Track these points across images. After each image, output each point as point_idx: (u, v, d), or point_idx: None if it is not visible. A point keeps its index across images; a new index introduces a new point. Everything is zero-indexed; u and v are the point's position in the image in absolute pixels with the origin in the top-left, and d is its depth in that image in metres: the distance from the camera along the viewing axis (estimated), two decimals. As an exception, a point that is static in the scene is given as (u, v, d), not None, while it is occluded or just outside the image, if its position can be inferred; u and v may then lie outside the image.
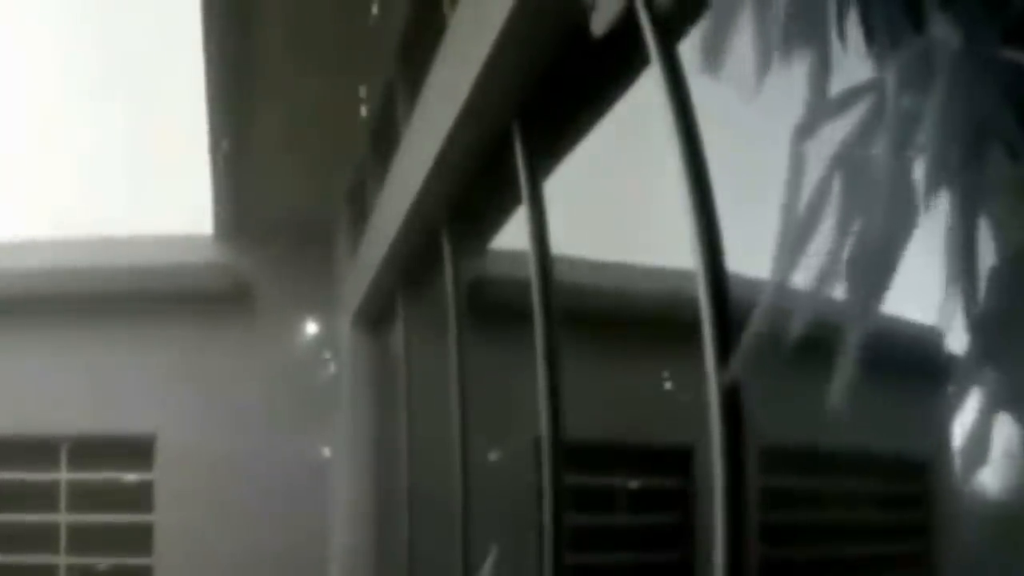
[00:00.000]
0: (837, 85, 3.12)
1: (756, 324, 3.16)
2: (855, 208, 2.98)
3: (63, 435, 21.61)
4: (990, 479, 2.94)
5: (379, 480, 19.59)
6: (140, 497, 21.76)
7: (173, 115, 22.23)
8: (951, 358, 2.96)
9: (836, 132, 3.08)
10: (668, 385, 11.47)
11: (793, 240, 3.06)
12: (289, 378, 21.60)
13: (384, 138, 17.43)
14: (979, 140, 2.85)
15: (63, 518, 21.67)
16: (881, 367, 2.97)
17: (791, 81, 3.19)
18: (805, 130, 3.12)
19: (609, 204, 11.06)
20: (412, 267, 16.69)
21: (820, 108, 3.10)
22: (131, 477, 22.11)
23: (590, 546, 11.95)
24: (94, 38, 24.87)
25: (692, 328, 7.16)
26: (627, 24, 7.95)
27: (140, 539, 21.47)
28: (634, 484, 13.20)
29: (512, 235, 11.81)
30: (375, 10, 15.05)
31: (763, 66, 3.17)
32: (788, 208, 3.09)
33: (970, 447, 2.86)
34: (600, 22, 6.47)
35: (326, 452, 21.62)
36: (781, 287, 3.07)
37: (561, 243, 10.81)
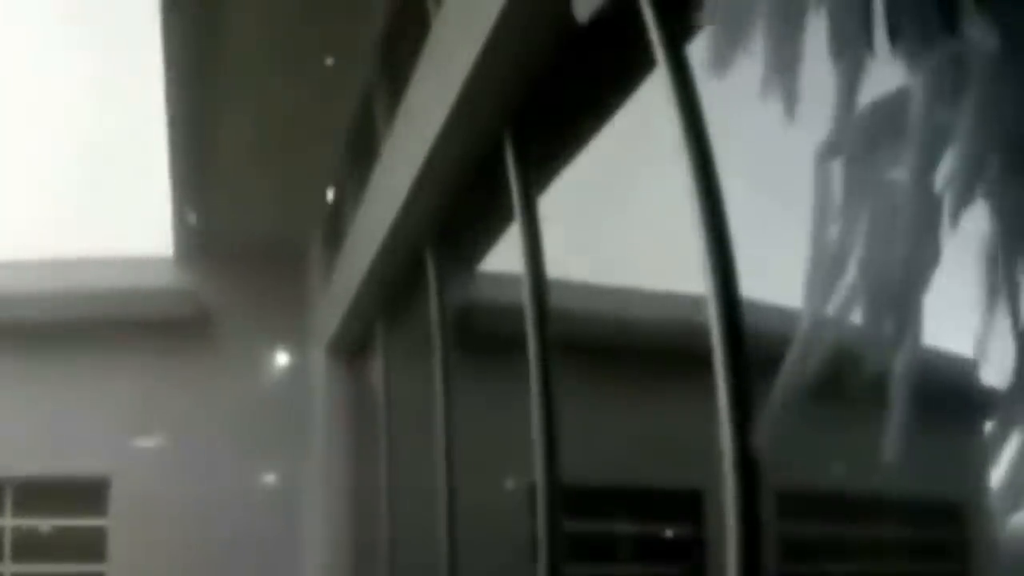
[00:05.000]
0: (863, 91, 3.11)
1: (791, 366, 3.15)
2: (883, 231, 2.97)
3: (8, 477, 21.53)
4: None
5: (356, 527, 19.54)
6: (92, 545, 21.67)
7: (130, 122, 22.23)
8: (989, 391, 2.95)
9: (863, 146, 3.07)
10: (676, 423, 11.45)
11: (826, 269, 3.05)
12: (257, 415, 21.54)
13: (362, 150, 17.44)
14: (1019, 153, 2.85)
15: (8, 568, 21.57)
16: (914, 403, 2.97)
17: (810, 85, 3.19)
18: (830, 144, 3.11)
19: (610, 222, 11.07)
20: (393, 292, 16.69)
21: (846, 120, 3.09)
22: (83, 523, 22.02)
23: (590, 600, 11.94)
24: (46, 36, 24.92)
25: (703, 360, 7.16)
26: (630, 22, 7.95)
27: (92, 592, 21.42)
28: (639, 531, 13.18)
29: (503, 257, 11.80)
30: (352, 8, 15.05)
31: (777, 68, 3.17)
32: (817, 233, 3.08)
33: (1006, 488, 2.85)
34: (584, 6, 6.33)
35: (298, 496, 21.56)
36: (815, 320, 3.06)
37: (557, 265, 10.80)
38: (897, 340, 2.92)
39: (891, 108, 3.02)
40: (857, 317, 3.00)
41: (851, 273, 3.02)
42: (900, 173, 2.95)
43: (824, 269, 3.05)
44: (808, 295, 3.10)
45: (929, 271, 2.91)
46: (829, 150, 3.10)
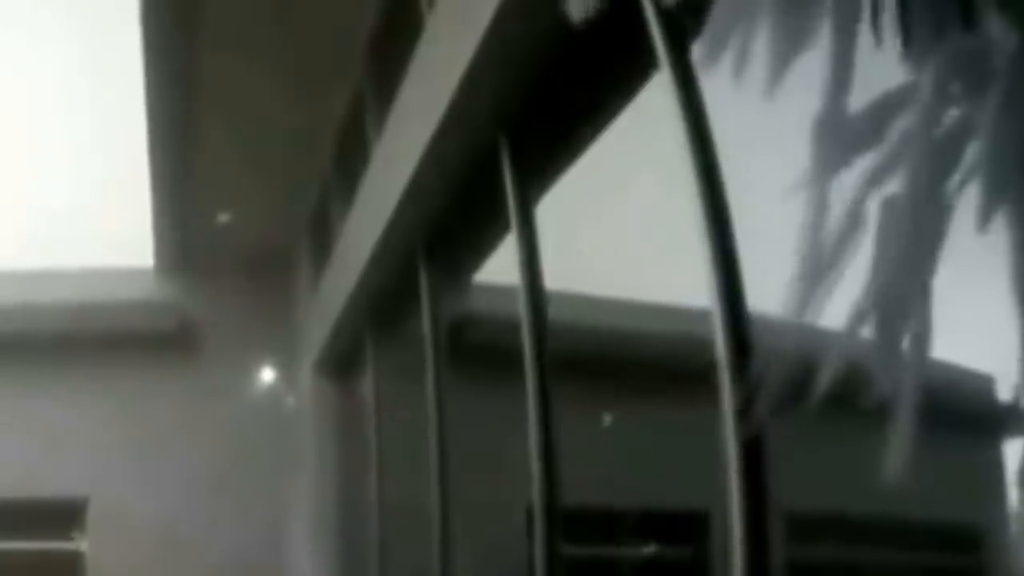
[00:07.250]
0: (869, 90, 3.08)
1: (778, 369, 3.11)
2: (890, 238, 2.94)
3: (-20, 499, 21.51)
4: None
5: (345, 550, 19.52)
6: (70, 570, 21.63)
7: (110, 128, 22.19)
8: (1010, 410, 2.92)
9: (868, 147, 3.04)
10: (680, 441, 11.43)
11: (813, 268, 3.02)
12: (242, 432, 21.50)
13: (351, 156, 17.43)
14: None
15: (-20, 595, 21.57)
16: (927, 420, 2.92)
17: (816, 86, 3.16)
18: (828, 134, 3.08)
19: (611, 231, 11.04)
20: (384, 304, 16.67)
21: (850, 118, 3.06)
22: (60, 547, 21.99)
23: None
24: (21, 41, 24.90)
25: (707, 375, 7.13)
26: (631, 22, 7.93)
27: (69, 619, 21.38)
28: (641, 555, 13.16)
29: (499, 267, 11.78)
30: (341, 8, 15.03)
31: (783, 67, 3.13)
32: (808, 231, 3.05)
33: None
34: (576, 6, 6.33)
35: (284, 518, 21.54)
36: (800, 324, 3.03)
37: (555, 276, 10.78)
38: (903, 351, 2.89)
39: (900, 102, 2.99)
40: (861, 327, 2.97)
41: (852, 274, 3.00)
42: (908, 169, 2.92)
43: (813, 263, 3.02)
44: (792, 291, 3.06)
45: (930, 276, 2.88)
46: (825, 135, 3.07)
